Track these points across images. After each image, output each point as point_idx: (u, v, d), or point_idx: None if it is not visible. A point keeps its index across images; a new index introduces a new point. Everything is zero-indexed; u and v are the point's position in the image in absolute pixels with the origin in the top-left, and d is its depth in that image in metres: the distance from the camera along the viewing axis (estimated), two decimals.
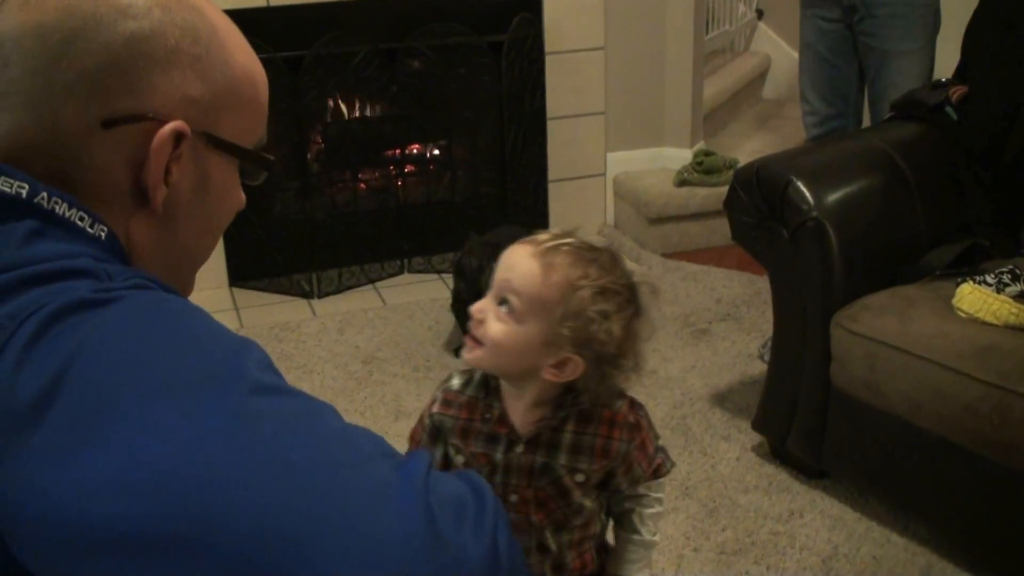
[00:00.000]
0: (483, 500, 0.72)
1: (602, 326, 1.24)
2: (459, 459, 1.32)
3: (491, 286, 1.27)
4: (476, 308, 1.26)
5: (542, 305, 1.23)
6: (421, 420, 1.40)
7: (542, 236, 1.27)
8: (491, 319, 1.25)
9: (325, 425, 0.72)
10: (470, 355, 1.27)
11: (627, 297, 1.27)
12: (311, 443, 0.69)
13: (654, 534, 1.40)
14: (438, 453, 1.36)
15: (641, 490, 1.37)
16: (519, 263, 1.24)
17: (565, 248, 1.25)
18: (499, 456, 1.30)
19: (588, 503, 1.34)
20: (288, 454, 0.67)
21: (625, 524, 1.40)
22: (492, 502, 0.73)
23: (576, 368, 1.26)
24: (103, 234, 0.79)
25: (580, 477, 1.31)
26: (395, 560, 0.65)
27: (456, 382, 1.36)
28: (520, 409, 1.31)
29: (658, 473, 1.37)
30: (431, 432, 1.37)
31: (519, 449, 1.30)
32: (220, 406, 0.68)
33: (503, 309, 1.24)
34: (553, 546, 1.34)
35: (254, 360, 0.72)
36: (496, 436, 1.31)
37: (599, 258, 1.27)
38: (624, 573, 1.40)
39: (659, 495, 1.39)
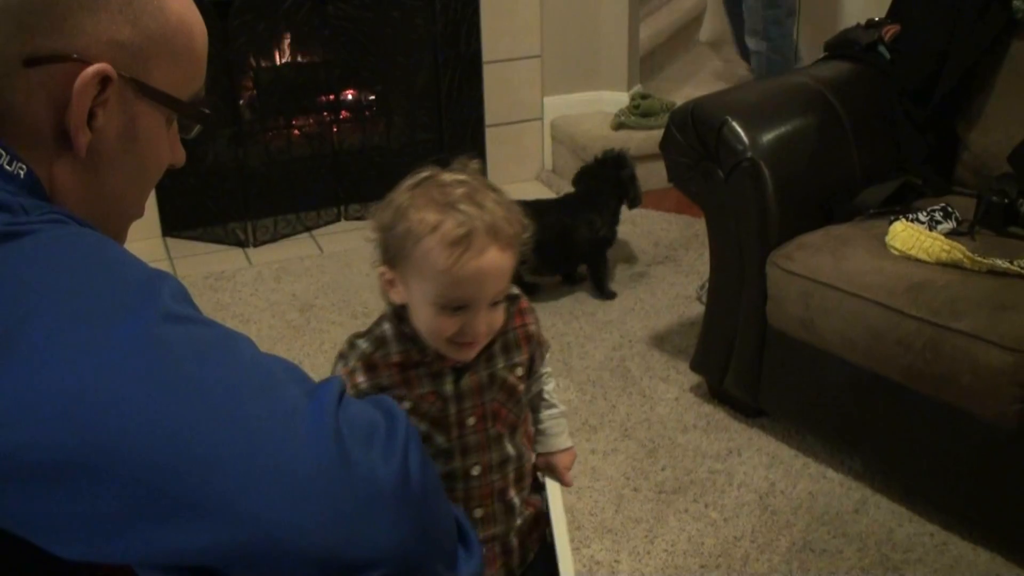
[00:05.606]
0: (394, 422, 0.73)
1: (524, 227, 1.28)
2: (405, 405, 1.31)
3: (468, 303, 1.22)
4: (483, 334, 1.24)
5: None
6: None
7: (479, 219, 1.21)
8: (494, 316, 1.25)
9: (236, 352, 0.71)
10: (472, 351, 1.27)
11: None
12: (220, 369, 0.69)
13: (561, 403, 1.48)
14: None
15: (542, 369, 1.43)
16: (501, 264, 1.22)
17: (492, 209, 1.22)
18: (448, 388, 1.31)
19: (523, 397, 1.39)
20: (195, 379, 0.67)
21: (540, 406, 1.45)
22: (403, 424, 0.73)
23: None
24: (22, 172, 0.77)
25: (519, 371, 1.36)
26: (302, 482, 0.66)
27: (366, 346, 1.32)
28: None
29: (547, 347, 1.45)
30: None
31: (467, 374, 1.32)
32: (129, 332, 0.67)
33: (497, 304, 1.25)
34: (512, 451, 1.36)
35: (168, 290, 0.72)
36: (441, 372, 1.31)
37: (486, 182, 1.27)
38: (557, 445, 1.45)
39: (549, 368, 1.46)
